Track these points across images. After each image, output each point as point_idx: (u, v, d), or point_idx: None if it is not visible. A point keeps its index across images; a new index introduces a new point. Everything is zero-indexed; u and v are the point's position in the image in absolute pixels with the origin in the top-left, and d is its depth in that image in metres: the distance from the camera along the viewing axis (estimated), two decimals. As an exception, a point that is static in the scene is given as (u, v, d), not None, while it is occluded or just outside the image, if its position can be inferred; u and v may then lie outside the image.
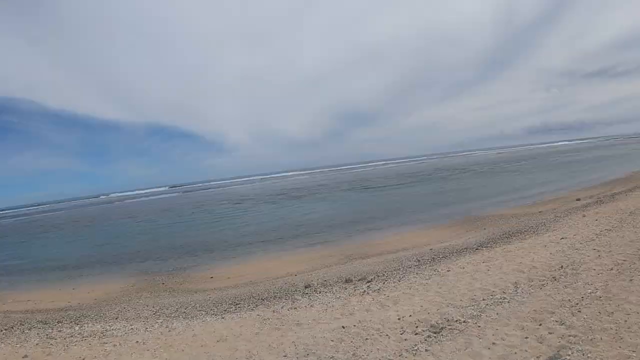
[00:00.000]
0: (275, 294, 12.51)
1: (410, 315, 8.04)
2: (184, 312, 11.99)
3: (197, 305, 12.65)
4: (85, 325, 11.29)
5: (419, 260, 13.97)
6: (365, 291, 10.66)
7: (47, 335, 10.33)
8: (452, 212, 26.97)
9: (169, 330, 9.88)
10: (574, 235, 13.28)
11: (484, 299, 8.36)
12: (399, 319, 7.99)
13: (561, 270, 9.44)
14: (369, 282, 11.89)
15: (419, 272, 12.09)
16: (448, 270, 11.52)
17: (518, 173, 53.95)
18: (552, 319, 6.89)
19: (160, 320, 11.10)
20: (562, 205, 22.28)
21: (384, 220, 27.22)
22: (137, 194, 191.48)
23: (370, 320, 8.14)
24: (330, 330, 7.93)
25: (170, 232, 34.35)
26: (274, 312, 10.16)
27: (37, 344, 9.59)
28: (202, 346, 8.37)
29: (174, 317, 11.47)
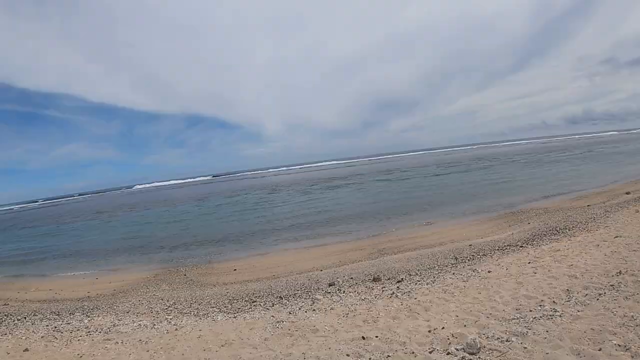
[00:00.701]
0: (296, 292, 11.55)
1: (443, 328, 6.78)
2: (197, 308, 11.29)
3: (212, 300, 11.95)
4: (95, 318, 10.82)
5: (456, 258, 12.71)
6: (393, 293, 9.46)
7: (54, 327, 9.97)
8: (493, 205, 25.35)
9: (176, 329, 9.04)
10: (629, 233, 11.68)
11: (531, 310, 7.04)
12: (429, 331, 6.75)
13: (619, 277, 7.99)
14: (399, 282, 10.72)
15: (456, 272, 10.82)
16: (489, 272, 10.19)
17: (562, 164, 51.16)
18: (614, 341, 5.54)
19: (170, 317, 10.44)
20: (611, 199, 20.55)
21: (420, 212, 25.82)
22: (175, 183, 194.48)
23: (396, 332, 6.93)
24: (349, 341, 6.78)
25: (201, 221, 34.06)
26: (290, 313, 9.11)
27: (42, 337, 9.21)
28: (204, 350, 7.41)
29: (185, 313, 10.80)
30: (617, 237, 11.51)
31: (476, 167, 60.20)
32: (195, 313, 10.64)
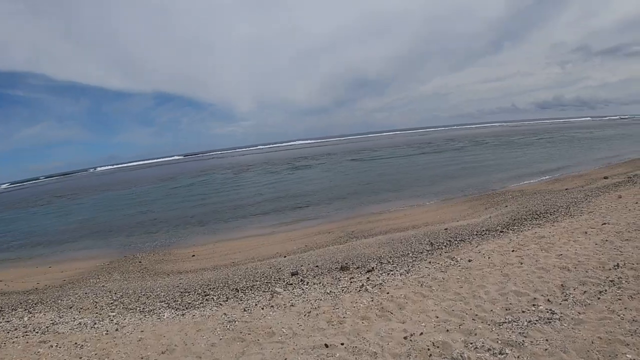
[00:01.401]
0: (255, 283, 10.39)
1: (422, 334, 5.67)
2: (144, 302, 10.12)
3: (162, 293, 10.77)
4: (37, 314, 9.85)
5: (432, 244, 11.69)
6: (363, 285, 8.36)
7: None
8: (467, 186, 24.67)
9: (117, 329, 7.91)
10: (617, 220, 10.83)
11: (523, 311, 5.99)
12: (405, 337, 5.63)
13: (618, 271, 7.00)
14: (369, 271, 9.63)
15: (433, 260, 9.82)
16: (469, 261, 9.20)
17: (535, 147, 51.12)
18: (628, 355, 4.55)
19: (113, 313, 9.33)
20: (589, 183, 20.04)
21: (391, 193, 24.94)
22: (144, 163, 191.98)
23: (365, 338, 5.80)
24: (309, 350, 5.64)
25: (163, 204, 32.34)
26: (244, 310, 7.94)
27: None
28: (141, 358, 6.22)
29: (130, 309, 9.63)
30: (604, 224, 10.65)
31: (448, 148, 59.64)
32: (142, 309, 9.49)
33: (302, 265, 11.25)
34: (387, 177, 32.96)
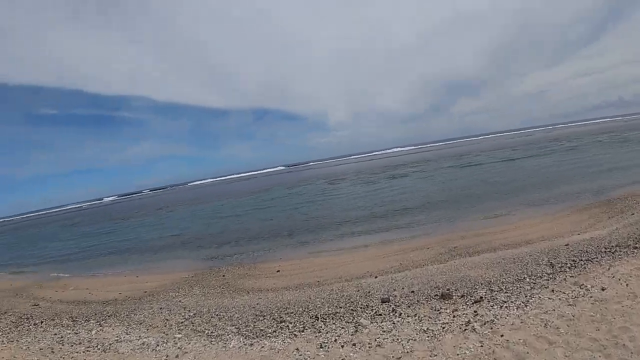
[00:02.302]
0: (338, 309, 9.10)
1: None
2: (215, 324, 9.43)
3: (236, 314, 9.99)
4: (106, 328, 10.07)
5: (552, 265, 9.76)
6: (469, 322, 6.79)
7: (60, 338, 9.56)
8: (581, 191, 21.74)
9: (177, 356, 7.42)
10: None
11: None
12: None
13: None
14: (476, 302, 7.97)
15: (556, 288, 8.06)
16: (603, 289, 7.39)
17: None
18: None
19: (180, 335, 8.87)
20: None
21: (496, 201, 22.53)
22: (243, 176, 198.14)
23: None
24: None
25: (256, 216, 32.00)
26: (320, 347, 6.68)
27: (40, 349, 8.76)
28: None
29: (198, 331, 9.04)
30: None
31: (555, 149, 54.35)
32: (210, 332, 8.84)
33: (394, 290, 9.74)
34: (491, 184, 30.20)
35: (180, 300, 12.14)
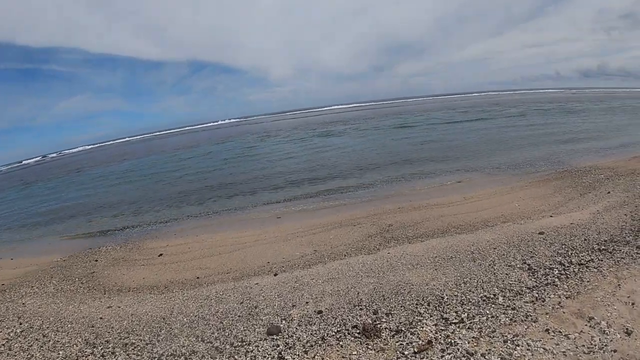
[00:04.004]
0: (197, 343, 5.60)
1: None
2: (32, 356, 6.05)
3: (65, 338, 6.62)
4: None
5: (531, 269, 6.61)
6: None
7: None
8: (535, 159, 19.33)
9: None
10: None
11: None
12: None
13: None
14: (421, 350, 4.60)
15: (549, 319, 5.04)
16: (628, 332, 4.42)
17: (595, 115, 43.50)
18: None
19: None
20: None
21: (439, 165, 19.66)
22: (177, 131, 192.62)
23: None
24: None
25: (169, 177, 27.48)
26: None
27: None
28: None
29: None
30: None
31: (498, 115, 52.24)
32: None
33: (294, 306, 6.30)
34: (433, 145, 27.13)
35: (23, 303, 8.65)
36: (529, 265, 6.70)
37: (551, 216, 9.77)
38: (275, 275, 8.07)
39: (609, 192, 11.67)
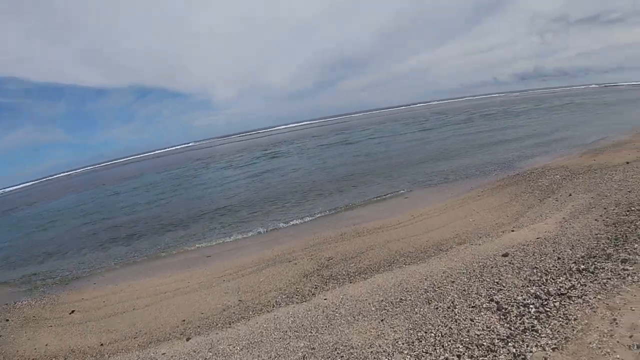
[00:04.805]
0: None
1: None
2: None
3: None
4: None
5: (501, 309, 5.25)
6: None
7: None
8: (484, 163, 18.79)
9: None
10: None
11: None
12: None
13: None
14: None
15: None
16: None
17: (535, 115, 44.40)
18: None
19: None
20: None
21: (386, 179, 18.62)
22: (121, 161, 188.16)
23: None
24: None
25: (103, 214, 24.92)
26: None
27: None
28: None
29: None
30: None
31: (442, 123, 51.97)
32: None
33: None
34: (378, 160, 25.86)
35: None
36: (497, 303, 5.32)
37: (513, 230, 8.49)
38: (188, 339, 6.41)
39: (570, 195, 10.64)
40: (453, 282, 6.22)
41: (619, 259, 5.96)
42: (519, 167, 16.65)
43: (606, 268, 5.74)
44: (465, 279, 6.23)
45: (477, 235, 8.75)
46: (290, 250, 10.38)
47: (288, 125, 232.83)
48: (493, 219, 9.88)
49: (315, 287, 7.54)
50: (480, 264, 6.76)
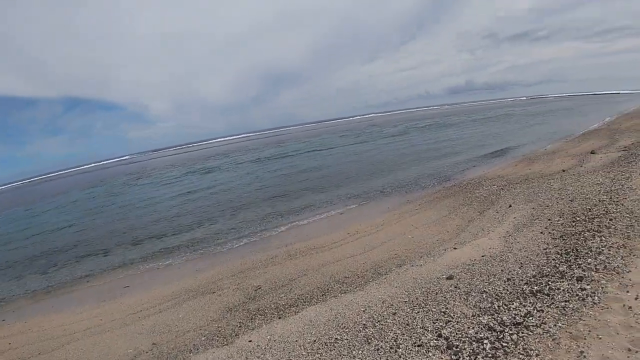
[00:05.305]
0: None
1: None
2: None
3: None
4: None
5: (450, 345, 4.53)
6: None
7: None
8: (420, 175, 18.69)
9: None
10: None
11: None
12: None
13: None
14: None
15: None
16: None
17: (465, 127, 45.81)
18: None
19: None
20: (582, 162, 14.64)
21: (321, 194, 17.94)
22: (50, 176, 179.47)
23: None
24: None
25: (19, 239, 22.59)
26: None
27: None
28: None
29: None
30: None
31: (377, 136, 52.05)
32: None
33: None
34: (312, 174, 25.05)
35: None
36: (446, 339, 4.59)
37: (455, 248, 7.88)
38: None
39: (510, 206, 10.25)
40: (394, 313, 5.46)
41: (573, 276, 5.40)
42: (455, 178, 16.46)
43: (562, 288, 5.16)
44: (409, 310, 5.48)
45: (418, 254, 8.07)
46: (216, 279, 9.33)
47: (225, 138, 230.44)
48: (433, 235, 9.26)
49: (240, 326, 6.54)
50: (424, 289, 6.04)
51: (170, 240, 14.76)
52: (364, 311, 5.73)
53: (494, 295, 5.39)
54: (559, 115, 47.09)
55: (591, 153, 16.27)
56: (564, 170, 13.31)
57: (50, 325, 8.97)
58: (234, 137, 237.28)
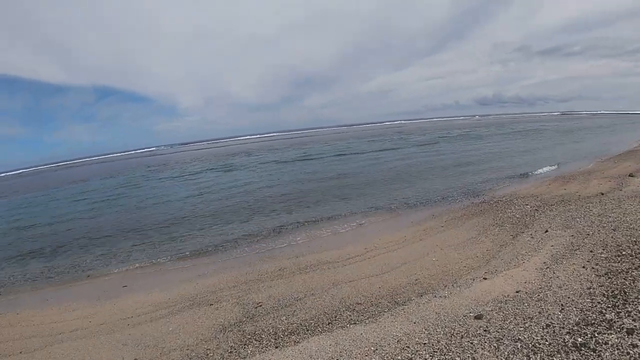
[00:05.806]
0: None
1: None
2: None
3: None
4: None
5: None
6: None
7: None
8: (448, 188, 17.75)
9: None
10: None
11: None
12: None
13: None
14: None
15: None
16: None
17: (498, 139, 44.64)
18: None
19: None
20: (621, 185, 13.52)
21: (342, 202, 17.15)
22: (78, 162, 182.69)
23: None
24: None
25: (31, 224, 22.47)
26: None
27: None
28: None
29: None
30: None
31: (405, 144, 51.05)
32: None
33: None
34: (335, 180, 24.24)
35: None
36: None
37: (485, 278, 6.91)
38: None
39: (546, 231, 9.22)
40: (410, 359, 4.58)
41: (623, 328, 4.44)
42: (485, 193, 15.51)
43: (610, 343, 4.20)
44: (427, 356, 4.56)
45: (442, 282, 7.17)
46: (216, 288, 8.59)
47: (250, 136, 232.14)
48: (460, 260, 8.34)
49: (230, 352, 5.72)
50: (447, 329, 5.12)
51: (179, 239, 14.17)
52: (374, 351, 4.83)
53: (530, 346, 4.47)
54: (593, 133, 45.72)
55: (629, 176, 15.22)
56: (602, 194, 12.19)
57: (41, 320, 8.56)
58: (260, 135, 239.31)
